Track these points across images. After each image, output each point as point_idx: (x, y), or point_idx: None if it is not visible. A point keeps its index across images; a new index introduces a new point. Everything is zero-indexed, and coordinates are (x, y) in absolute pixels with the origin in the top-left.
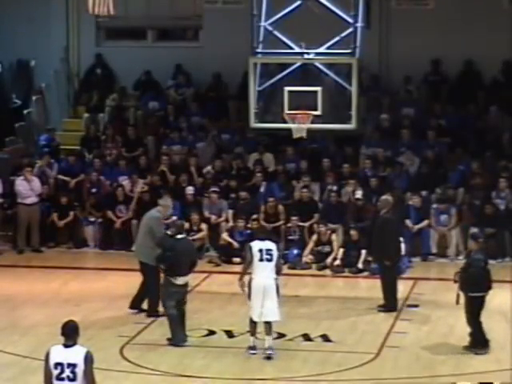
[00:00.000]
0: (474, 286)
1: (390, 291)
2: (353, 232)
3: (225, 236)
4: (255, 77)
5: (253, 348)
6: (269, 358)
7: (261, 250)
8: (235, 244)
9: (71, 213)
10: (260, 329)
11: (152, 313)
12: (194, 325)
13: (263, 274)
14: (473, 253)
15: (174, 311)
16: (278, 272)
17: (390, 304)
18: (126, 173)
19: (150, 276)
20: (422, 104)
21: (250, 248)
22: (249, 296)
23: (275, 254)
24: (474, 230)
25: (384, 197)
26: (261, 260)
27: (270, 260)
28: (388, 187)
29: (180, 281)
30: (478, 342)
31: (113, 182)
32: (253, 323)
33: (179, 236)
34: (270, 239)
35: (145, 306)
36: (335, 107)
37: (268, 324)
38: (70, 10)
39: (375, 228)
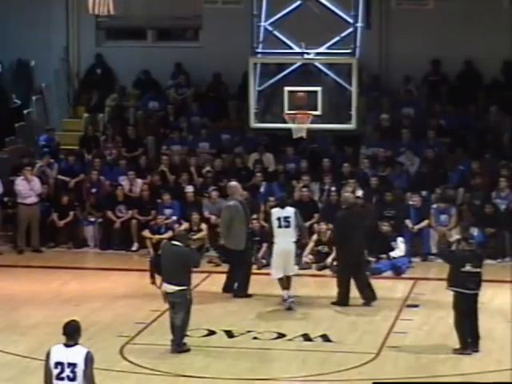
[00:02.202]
0: (448, 281)
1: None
2: None
3: None
4: (255, 77)
5: (286, 300)
6: (290, 308)
7: (279, 218)
8: None
9: (71, 213)
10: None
11: (239, 293)
12: (194, 325)
13: (283, 240)
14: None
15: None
16: (301, 234)
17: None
18: (126, 173)
19: (239, 260)
20: (422, 104)
21: (270, 215)
22: (272, 260)
23: (293, 220)
24: (474, 230)
25: (346, 194)
26: (279, 227)
27: (287, 226)
28: (388, 187)
29: (164, 287)
30: (462, 343)
31: (113, 181)
32: (280, 280)
33: (175, 242)
34: (290, 205)
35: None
36: (335, 107)
37: (288, 278)
38: (69, 9)
39: None
